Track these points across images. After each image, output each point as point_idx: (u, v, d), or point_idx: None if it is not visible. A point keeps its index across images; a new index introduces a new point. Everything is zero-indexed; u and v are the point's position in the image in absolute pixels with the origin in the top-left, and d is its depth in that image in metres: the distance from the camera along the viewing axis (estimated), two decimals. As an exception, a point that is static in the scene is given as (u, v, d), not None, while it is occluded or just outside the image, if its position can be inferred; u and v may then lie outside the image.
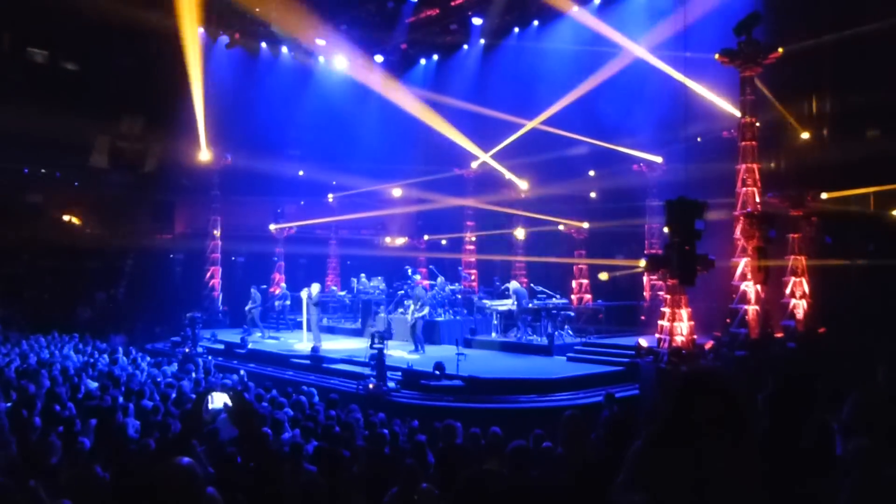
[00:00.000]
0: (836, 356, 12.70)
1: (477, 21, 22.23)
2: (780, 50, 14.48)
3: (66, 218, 28.58)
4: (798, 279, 15.86)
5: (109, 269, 27.60)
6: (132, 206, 28.56)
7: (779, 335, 14.82)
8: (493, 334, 18.57)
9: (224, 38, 24.28)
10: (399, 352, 16.85)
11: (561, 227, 21.76)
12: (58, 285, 26.28)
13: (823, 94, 17.64)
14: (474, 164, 24.88)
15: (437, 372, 13.44)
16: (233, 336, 19.99)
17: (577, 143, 20.84)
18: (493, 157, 23.50)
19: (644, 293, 20.67)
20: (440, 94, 23.76)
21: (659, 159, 20.46)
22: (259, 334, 20.62)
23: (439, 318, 19.12)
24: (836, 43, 15.06)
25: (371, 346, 13.75)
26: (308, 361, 16.22)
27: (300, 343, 18.74)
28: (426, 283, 20.79)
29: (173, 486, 2.43)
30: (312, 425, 8.63)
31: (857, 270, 15.72)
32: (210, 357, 17.19)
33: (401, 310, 19.42)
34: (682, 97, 15.46)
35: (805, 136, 17.86)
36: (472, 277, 24.78)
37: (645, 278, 20.40)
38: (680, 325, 12.99)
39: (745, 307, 14.42)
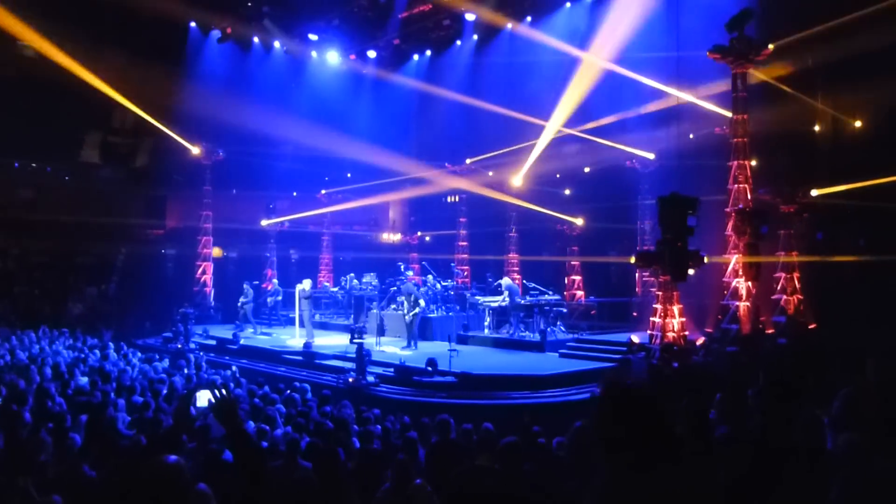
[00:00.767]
0: (827, 352, 12.78)
1: (470, 16, 22.19)
2: (771, 47, 14.53)
3: (56, 212, 28.42)
4: (789, 275, 15.93)
5: (100, 265, 27.50)
6: (123, 201, 28.46)
7: (770, 331, 14.89)
8: (486, 331, 18.57)
9: (216, 32, 24.18)
10: (392, 348, 16.86)
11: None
12: (48, 280, 26.15)
13: (815, 89, 17.68)
14: (469, 161, 24.91)
15: (430, 368, 13.46)
16: (225, 332, 19.93)
17: (571, 138, 20.86)
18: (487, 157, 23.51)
19: (636, 289, 20.74)
20: (433, 89, 23.76)
21: (651, 155, 20.51)
22: (251, 330, 20.57)
23: (432, 315, 19.12)
24: (827, 37, 15.08)
25: (351, 341, 14.04)
26: (300, 357, 16.20)
27: (292, 339, 18.70)
28: (418, 279, 20.80)
29: (160, 484, 2.41)
30: (304, 421, 8.61)
31: (848, 266, 15.79)
32: (202, 353, 17.14)
33: (393, 306, 19.40)
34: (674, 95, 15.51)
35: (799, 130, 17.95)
36: (465, 274, 24.80)
37: (637, 274, 20.47)
38: (672, 321, 13.03)
39: (737, 303, 14.48)
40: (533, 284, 18.49)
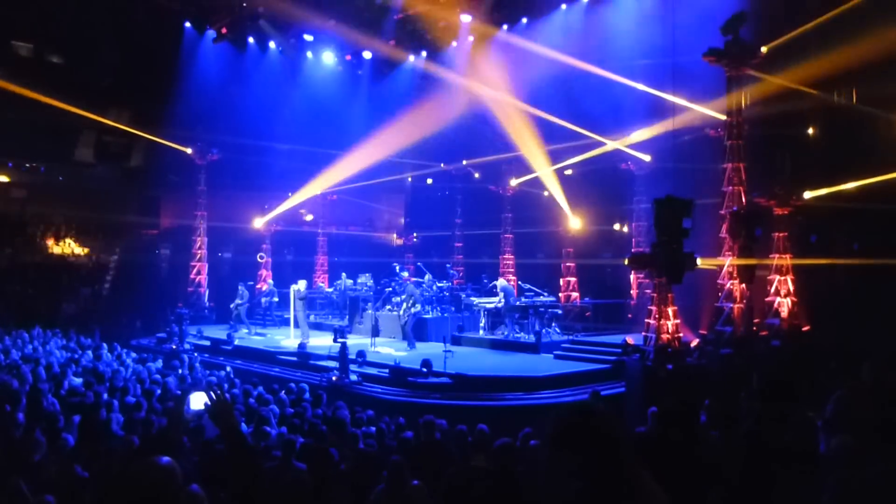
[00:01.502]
0: (820, 354, 12.82)
1: (465, 18, 22.17)
2: (764, 49, 14.58)
3: (50, 213, 28.33)
4: (783, 278, 15.98)
5: (94, 265, 27.41)
6: (117, 201, 28.35)
7: (763, 333, 14.93)
8: (481, 332, 18.57)
9: (211, 33, 24.13)
10: (387, 349, 16.84)
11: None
12: (42, 280, 26.04)
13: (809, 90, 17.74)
14: (465, 162, 24.94)
15: (425, 369, 13.46)
16: (219, 332, 19.88)
17: (565, 139, 20.85)
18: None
19: (631, 291, 20.77)
20: (428, 90, 23.77)
21: (647, 157, 20.54)
22: (245, 331, 20.53)
23: (427, 316, 19.11)
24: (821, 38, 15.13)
25: (335, 340, 14.38)
26: (295, 358, 16.17)
27: (287, 339, 18.67)
28: (414, 279, 20.78)
29: (151, 485, 2.41)
30: (299, 422, 8.61)
31: (842, 269, 15.84)
32: (196, 353, 17.09)
33: (388, 307, 19.38)
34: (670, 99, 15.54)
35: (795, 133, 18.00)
36: (461, 275, 24.80)
37: (632, 276, 20.50)
38: (666, 323, 13.05)
39: (731, 305, 14.51)
40: (528, 286, 18.50)
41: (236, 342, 18.33)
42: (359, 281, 21.70)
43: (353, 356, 14.71)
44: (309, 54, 25.37)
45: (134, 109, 26.68)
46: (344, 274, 22.15)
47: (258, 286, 24.30)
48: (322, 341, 18.10)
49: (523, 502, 4.08)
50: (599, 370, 14.14)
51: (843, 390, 3.72)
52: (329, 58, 25.08)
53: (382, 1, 21.90)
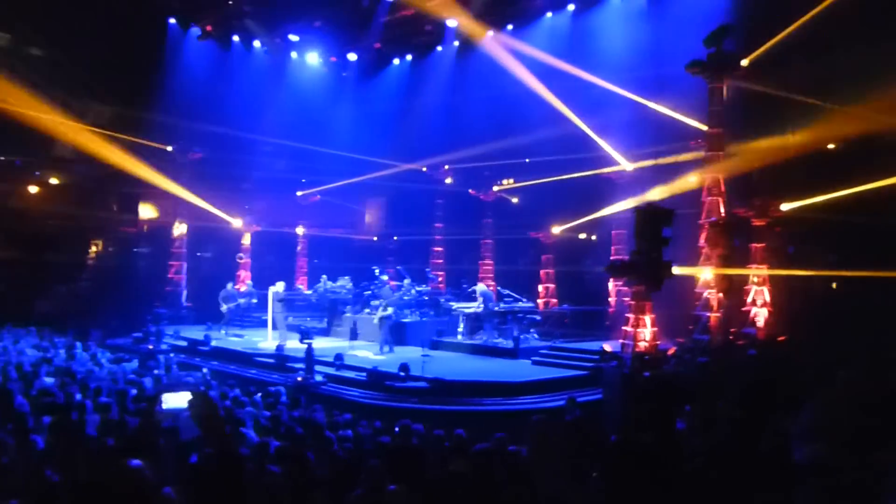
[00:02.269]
0: (796, 364, 12.96)
1: (452, 23, 22.22)
2: (745, 62, 14.75)
3: (26, 208, 27.84)
4: (760, 288, 16.15)
5: (71, 262, 26.99)
6: (96, 198, 27.94)
7: (740, 342, 15.07)
8: (460, 336, 18.56)
9: (195, 30, 23.95)
10: (364, 352, 16.77)
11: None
12: (16, 277, 25.58)
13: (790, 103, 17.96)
14: (447, 167, 24.95)
15: (403, 373, 13.42)
16: (197, 333, 19.66)
17: (546, 148, 20.91)
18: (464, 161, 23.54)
19: (609, 298, 20.85)
20: (414, 94, 23.78)
21: (630, 166, 20.64)
22: (223, 331, 20.30)
23: (406, 320, 19.06)
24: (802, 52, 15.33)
25: (301, 341, 14.74)
26: (272, 360, 16.04)
27: (264, 341, 18.52)
28: (393, 283, 20.73)
29: (123, 488, 2.37)
30: (273, 426, 8.53)
31: (818, 280, 16.04)
32: (172, 354, 16.89)
33: (367, 310, 19.32)
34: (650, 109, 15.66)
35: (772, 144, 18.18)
36: (440, 279, 24.78)
37: (611, 284, 20.58)
38: (643, 331, 13.13)
39: (708, 314, 14.64)
40: (507, 291, 18.53)
41: (213, 343, 18.13)
42: (338, 283, 21.59)
43: (330, 359, 14.67)
44: (294, 55, 25.27)
45: (115, 105, 26.32)
46: (324, 277, 22.01)
47: (236, 287, 24.08)
48: (300, 344, 17.99)
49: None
50: (577, 377, 14.17)
51: (818, 400, 3.76)
52: (314, 59, 24.99)
53: (370, 3, 21.89)
